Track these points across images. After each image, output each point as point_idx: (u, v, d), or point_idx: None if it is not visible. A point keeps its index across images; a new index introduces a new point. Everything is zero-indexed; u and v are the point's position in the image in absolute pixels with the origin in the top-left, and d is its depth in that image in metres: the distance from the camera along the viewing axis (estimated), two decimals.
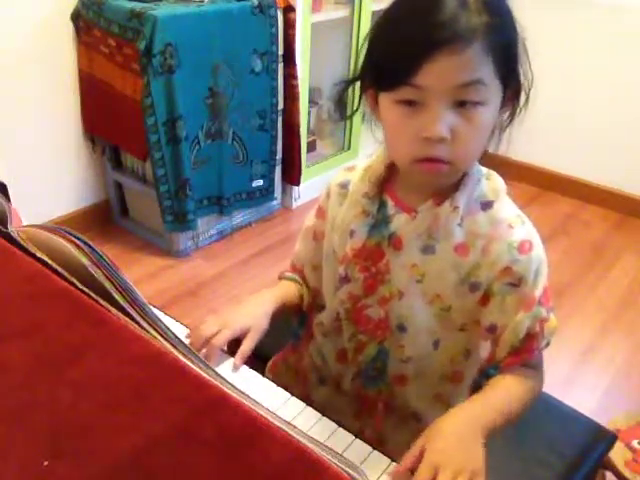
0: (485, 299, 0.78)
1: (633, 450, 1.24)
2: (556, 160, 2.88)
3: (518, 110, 0.75)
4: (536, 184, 2.92)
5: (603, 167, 2.75)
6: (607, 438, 1.07)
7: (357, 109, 0.82)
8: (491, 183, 0.79)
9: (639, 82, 2.56)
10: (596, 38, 2.59)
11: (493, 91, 0.69)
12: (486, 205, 0.77)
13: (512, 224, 0.77)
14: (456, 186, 0.76)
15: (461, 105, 0.67)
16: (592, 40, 2.61)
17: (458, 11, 0.65)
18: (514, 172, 2.87)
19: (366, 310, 0.83)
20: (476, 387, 0.83)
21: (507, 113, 0.75)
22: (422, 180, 0.76)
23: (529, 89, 0.74)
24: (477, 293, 0.78)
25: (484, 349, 0.82)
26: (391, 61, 0.69)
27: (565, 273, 2.27)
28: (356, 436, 0.72)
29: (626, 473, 1.20)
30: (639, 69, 2.54)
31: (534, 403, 0.81)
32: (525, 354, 0.79)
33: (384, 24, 0.71)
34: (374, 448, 0.70)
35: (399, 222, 0.79)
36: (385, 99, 0.72)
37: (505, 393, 0.78)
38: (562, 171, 2.87)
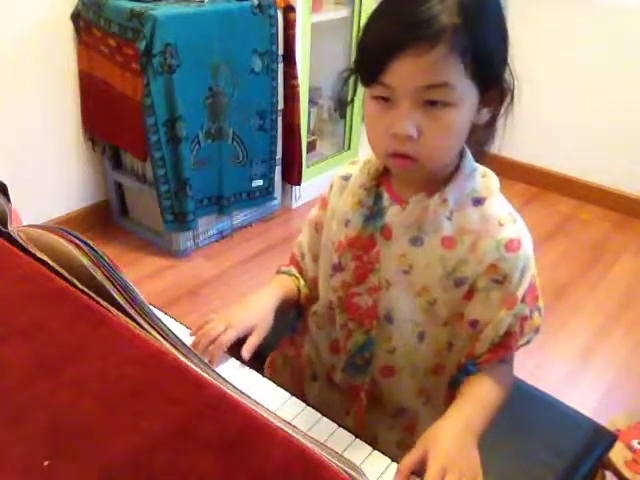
0: (470, 294, 0.79)
1: (633, 450, 1.24)
2: (556, 160, 2.88)
3: (503, 110, 0.76)
4: (536, 184, 2.92)
5: (603, 167, 2.75)
6: (607, 438, 1.07)
7: (353, 98, 0.83)
8: (486, 181, 0.80)
9: (638, 82, 2.56)
10: (596, 38, 2.59)
11: (464, 93, 0.69)
12: (478, 201, 0.78)
13: (502, 221, 0.77)
14: (448, 180, 0.77)
15: (431, 104, 0.69)
16: (592, 40, 2.61)
17: (428, 12, 0.65)
18: (514, 172, 2.87)
19: (355, 298, 0.85)
20: (454, 383, 0.84)
21: (494, 110, 0.76)
22: (400, 174, 0.79)
23: (513, 90, 0.74)
24: (462, 288, 0.79)
25: (467, 343, 0.82)
26: (363, 59, 0.72)
27: (564, 273, 2.27)
28: (356, 436, 0.72)
29: (626, 473, 1.20)
30: (638, 69, 2.54)
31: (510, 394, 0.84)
32: (503, 351, 0.81)
33: (367, 21, 0.72)
34: (374, 448, 0.70)
35: (392, 213, 0.80)
36: (366, 93, 0.74)
37: (489, 396, 0.79)
38: (562, 171, 2.87)
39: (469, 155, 0.79)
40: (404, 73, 0.67)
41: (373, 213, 0.82)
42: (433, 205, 0.76)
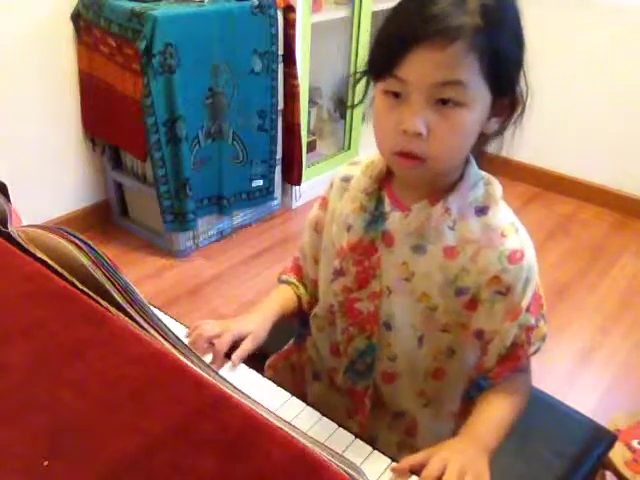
0: (473, 305, 0.78)
1: (633, 450, 1.24)
2: (556, 160, 2.88)
3: (513, 121, 0.75)
4: (536, 184, 2.92)
5: (603, 167, 2.75)
6: (607, 438, 1.07)
7: (363, 98, 0.82)
8: (490, 189, 0.78)
9: (639, 82, 2.56)
10: (596, 38, 2.59)
11: (477, 95, 0.69)
12: (481, 211, 0.77)
13: (505, 232, 0.76)
14: (452, 188, 0.76)
15: (443, 103, 0.68)
16: (592, 40, 2.61)
17: (450, 9, 0.65)
18: (514, 172, 2.87)
19: (356, 304, 0.84)
20: (468, 398, 0.84)
21: (504, 121, 0.75)
22: (404, 176, 0.78)
23: (525, 102, 0.74)
24: (463, 297, 0.78)
25: (472, 353, 0.82)
26: (380, 51, 0.71)
27: (565, 273, 2.27)
28: (356, 436, 0.72)
29: (626, 473, 1.20)
30: (639, 69, 2.54)
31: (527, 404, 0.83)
32: (512, 362, 0.80)
33: (388, 15, 0.72)
34: (374, 448, 0.70)
35: (394, 219, 0.79)
36: (377, 88, 0.73)
37: (503, 414, 0.79)
38: (562, 171, 2.87)
39: (474, 164, 0.78)
40: (420, 67, 0.66)
41: (375, 217, 0.81)
42: (435, 214, 0.75)
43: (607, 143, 2.70)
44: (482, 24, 0.65)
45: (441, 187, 0.77)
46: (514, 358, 0.80)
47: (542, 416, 1.09)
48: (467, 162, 0.78)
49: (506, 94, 0.72)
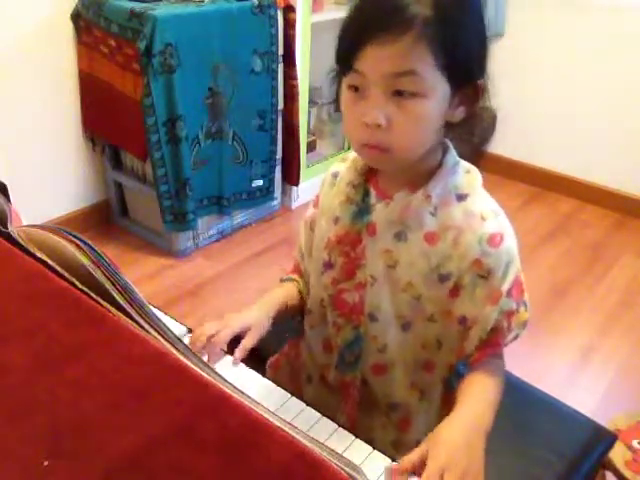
0: (456, 290, 0.79)
1: (633, 450, 1.24)
2: (556, 160, 2.88)
3: (478, 108, 0.76)
4: (536, 184, 2.92)
5: (603, 167, 2.75)
6: (607, 438, 1.07)
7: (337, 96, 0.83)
8: (469, 177, 0.80)
9: (638, 82, 2.56)
10: (596, 39, 2.60)
11: (432, 85, 0.70)
12: (461, 197, 0.78)
13: (484, 217, 0.77)
14: (431, 175, 0.78)
15: (400, 94, 0.69)
16: (592, 41, 2.61)
17: (402, 3, 0.67)
18: (514, 172, 2.87)
19: (344, 294, 0.86)
20: (449, 385, 0.85)
21: (470, 110, 0.76)
22: (375, 166, 0.80)
23: (485, 89, 0.75)
24: (447, 284, 0.79)
25: (457, 343, 0.82)
26: (341, 46, 0.73)
27: (565, 273, 2.27)
28: (355, 435, 0.72)
29: (626, 473, 1.20)
30: (638, 69, 2.54)
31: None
32: (492, 348, 0.81)
33: (348, 10, 0.73)
34: (374, 448, 0.70)
35: (377, 209, 0.81)
36: (343, 83, 0.75)
37: (492, 396, 0.79)
38: (562, 171, 2.87)
39: (452, 151, 0.80)
40: (374, 60, 0.68)
41: (361, 209, 0.83)
42: (416, 201, 0.77)
43: (607, 143, 2.70)
44: (433, 15, 0.67)
45: (421, 175, 0.78)
46: (494, 344, 0.80)
47: (542, 416, 1.09)
48: (445, 150, 0.79)
49: (466, 84, 0.73)
